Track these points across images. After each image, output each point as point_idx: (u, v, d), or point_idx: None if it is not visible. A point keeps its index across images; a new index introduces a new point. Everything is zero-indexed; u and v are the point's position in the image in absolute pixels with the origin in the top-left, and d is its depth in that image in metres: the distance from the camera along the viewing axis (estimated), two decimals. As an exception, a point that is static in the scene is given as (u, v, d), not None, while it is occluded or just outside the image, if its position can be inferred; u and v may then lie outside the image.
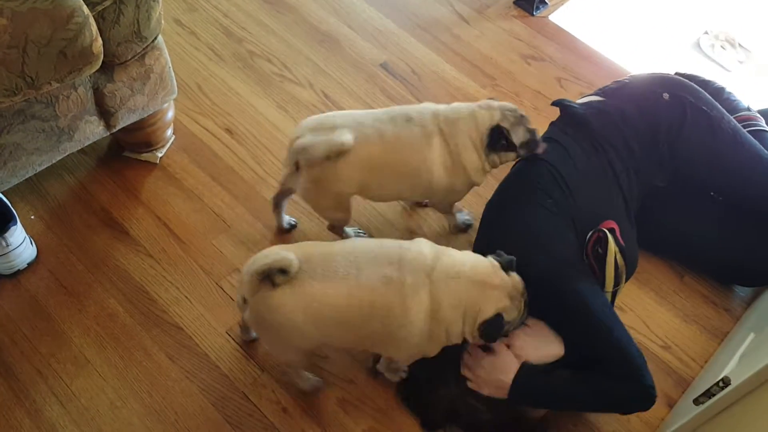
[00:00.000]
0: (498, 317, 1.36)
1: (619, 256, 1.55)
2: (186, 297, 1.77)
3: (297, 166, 1.63)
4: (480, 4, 2.61)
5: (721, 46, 3.28)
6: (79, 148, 1.76)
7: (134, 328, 1.71)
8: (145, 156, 2.01)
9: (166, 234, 1.88)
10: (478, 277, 1.37)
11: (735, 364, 1.36)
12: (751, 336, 1.45)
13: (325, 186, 1.64)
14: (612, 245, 1.54)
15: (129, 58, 1.66)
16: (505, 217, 1.65)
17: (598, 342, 1.45)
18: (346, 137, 1.57)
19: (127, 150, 2.01)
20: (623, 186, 1.71)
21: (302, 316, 1.35)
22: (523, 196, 1.65)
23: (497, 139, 1.63)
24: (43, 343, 1.66)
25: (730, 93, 2.06)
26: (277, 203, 1.85)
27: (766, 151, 1.80)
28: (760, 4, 3.08)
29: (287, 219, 1.90)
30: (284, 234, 1.91)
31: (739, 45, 3.34)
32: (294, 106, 2.21)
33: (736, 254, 1.82)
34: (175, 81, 1.86)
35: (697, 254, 1.89)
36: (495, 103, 1.67)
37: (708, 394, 1.26)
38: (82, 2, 1.42)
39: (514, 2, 2.61)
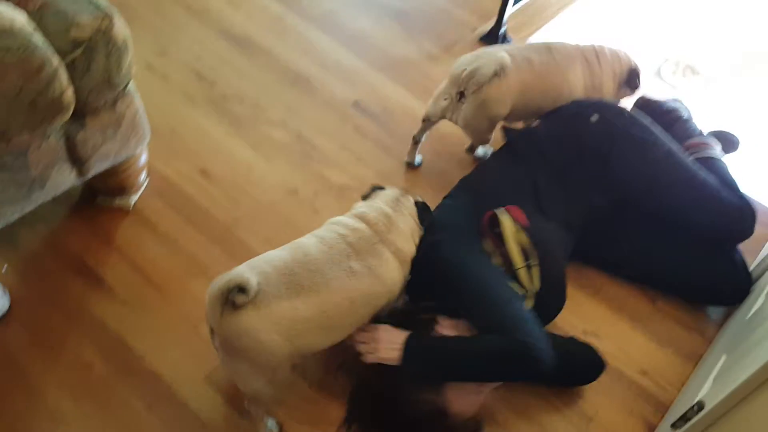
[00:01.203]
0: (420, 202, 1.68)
1: (522, 234, 1.66)
2: (163, 344, 1.75)
3: (460, 96, 1.96)
4: (447, 42, 2.66)
5: (682, 73, 3.38)
6: (51, 197, 1.76)
7: (111, 378, 1.68)
8: (118, 202, 2.01)
9: (141, 280, 1.86)
10: (400, 207, 1.61)
11: (709, 387, 1.38)
12: (723, 357, 1.48)
13: (487, 108, 1.96)
14: (507, 222, 1.66)
15: (100, 105, 1.67)
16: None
17: (480, 307, 1.53)
18: (506, 57, 1.92)
19: (100, 196, 2.01)
20: (540, 188, 1.84)
21: (272, 335, 1.37)
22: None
23: (633, 78, 2.13)
24: (17, 399, 1.63)
25: (688, 119, 2.14)
26: (418, 140, 2.15)
27: (707, 175, 1.89)
28: (717, 31, 3.19)
29: (419, 158, 2.20)
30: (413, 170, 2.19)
31: (698, 72, 3.44)
32: (268, 147, 2.22)
33: (699, 277, 1.89)
34: (147, 126, 1.87)
35: (664, 279, 1.95)
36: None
37: (684, 418, 1.28)
38: (52, 53, 1.44)
39: (479, 39, 2.67)
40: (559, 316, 1.87)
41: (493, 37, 2.66)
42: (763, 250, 2.05)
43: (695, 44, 3.29)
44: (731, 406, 1.11)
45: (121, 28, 1.60)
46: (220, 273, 1.87)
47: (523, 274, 1.65)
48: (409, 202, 1.67)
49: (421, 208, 1.69)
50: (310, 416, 1.65)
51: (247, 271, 1.36)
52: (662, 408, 1.73)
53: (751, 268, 1.97)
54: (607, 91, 2.13)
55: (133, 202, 2.01)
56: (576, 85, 2.06)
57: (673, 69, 3.43)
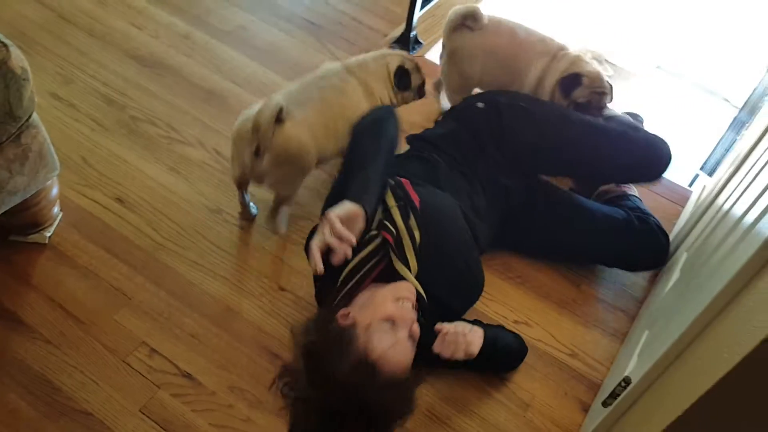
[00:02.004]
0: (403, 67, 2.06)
1: (396, 212, 1.60)
2: (92, 380, 1.69)
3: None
4: (359, 49, 2.68)
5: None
6: (-41, 239, 1.68)
7: (40, 421, 1.62)
8: (32, 237, 1.93)
9: (62, 316, 1.80)
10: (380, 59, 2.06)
11: (635, 363, 1.44)
12: (646, 333, 1.54)
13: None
14: (388, 192, 1.66)
15: (4, 140, 1.61)
16: None
17: None
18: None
19: (13, 233, 1.93)
20: (441, 175, 1.86)
21: (307, 138, 1.83)
22: None
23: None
24: (-61, 452, 1.56)
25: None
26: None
27: (610, 123, 2.06)
28: (625, 21, 3.32)
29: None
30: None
31: (606, 61, 3.57)
32: (186, 167, 2.18)
33: (621, 244, 1.98)
34: (56, 157, 1.81)
35: (588, 252, 2.04)
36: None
37: (613, 395, 1.33)
38: (-55, 90, 1.38)
39: (390, 45, 2.70)
40: (489, 308, 1.92)
41: (404, 41, 2.69)
42: (675, 227, 2.15)
43: (602, 33, 3.42)
44: (654, 378, 1.16)
45: (18, 58, 1.55)
46: (146, 302, 1.85)
47: (395, 213, 1.61)
48: (393, 61, 2.06)
49: (400, 71, 2.06)
50: None
51: (275, 97, 1.78)
52: (594, 387, 1.80)
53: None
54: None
55: (48, 237, 1.94)
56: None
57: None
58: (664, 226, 2.08)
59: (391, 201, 1.63)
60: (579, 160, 2.00)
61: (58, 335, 1.77)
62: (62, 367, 1.71)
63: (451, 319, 1.61)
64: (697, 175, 2.93)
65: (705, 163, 2.95)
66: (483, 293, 1.94)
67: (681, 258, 1.74)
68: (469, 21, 2.11)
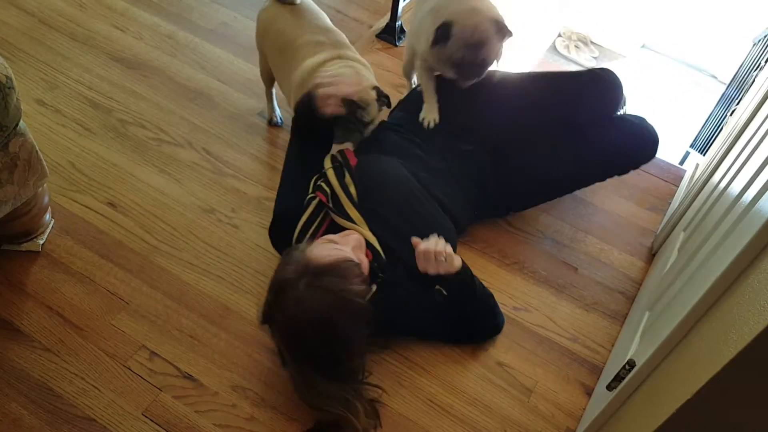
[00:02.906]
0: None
1: (331, 173, 1.77)
2: (93, 386, 1.68)
3: None
4: (344, 40, 2.67)
5: (575, 46, 3.51)
6: (-49, 251, 1.66)
7: (42, 429, 1.61)
8: (25, 246, 1.91)
9: (60, 323, 1.79)
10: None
11: (637, 345, 1.44)
12: (647, 315, 1.55)
13: None
14: (326, 161, 1.81)
15: (-10, 149, 1.59)
16: None
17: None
18: None
19: (5, 242, 1.91)
20: (389, 144, 1.94)
21: None
22: None
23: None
24: (-57, 466, 1.54)
25: None
26: None
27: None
28: (607, 3, 3.32)
29: None
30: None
31: (591, 42, 3.58)
32: (176, 168, 2.17)
33: (610, 150, 2.01)
34: (45, 163, 1.79)
35: (582, 173, 2.06)
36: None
37: (618, 378, 1.33)
38: (-71, 102, 1.36)
39: (376, 36, 2.69)
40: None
41: (390, 31, 2.68)
42: (670, 207, 2.16)
43: (585, 16, 3.41)
44: (659, 360, 1.16)
45: (2, 67, 1.52)
46: (143, 305, 1.84)
47: (330, 174, 1.78)
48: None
49: (379, 92, 1.88)
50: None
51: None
52: (596, 370, 1.80)
53: (660, 225, 2.08)
54: None
55: (41, 244, 1.92)
56: None
57: (566, 43, 3.55)
58: (659, 206, 2.09)
59: (327, 164, 1.79)
60: (543, 108, 2.00)
61: (56, 342, 1.75)
62: (62, 375, 1.70)
63: (413, 274, 1.68)
64: (687, 153, 2.95)
65: (695, 140, 2.96)
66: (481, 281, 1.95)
67: (678, 238, 1.75)
68: None
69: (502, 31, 1.81)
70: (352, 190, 1.74)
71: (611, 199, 2.21)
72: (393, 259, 1.69)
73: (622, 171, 2.04)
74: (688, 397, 0.87)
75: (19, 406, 1.64)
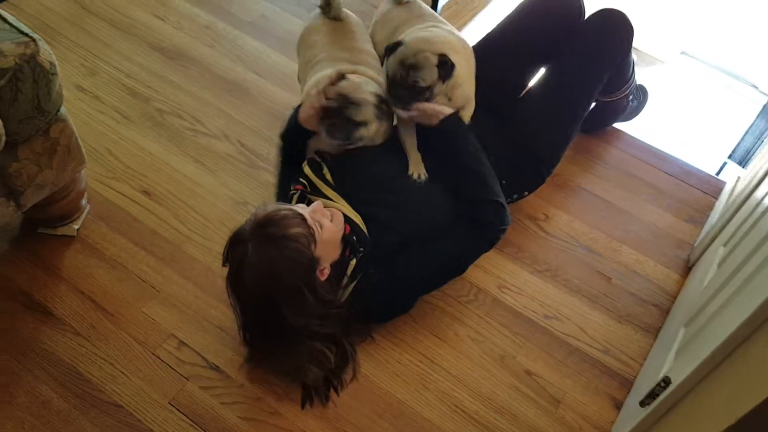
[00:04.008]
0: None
1: (307, 168, 1.82)
2: (122, 372, 1.70)
3: None
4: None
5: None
6: (-11, 232, 1.69)
7: (71, 412, 1.63)
8: (61, 230, 1.93)
9: (92, 309, 1.80)
10: None
11: (672, 362, 1.41)
12: (683, 331, 1.51)
13: None
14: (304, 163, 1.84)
15: (32, 134, 1.61)
16: None
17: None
18: None
19: (42, 226, 1.93)
20: None
21: None
22: None
23: None
24: (-27, 444, 1.57)
25: None
26: None
27: None
28: (649, 5, 3.26)
29: None
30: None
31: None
32: (211, 159, 2.18)
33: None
34: (83, 150, 1.81)
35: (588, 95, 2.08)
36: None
37: (652, 395, 1.31)
38: (-24, 85, 1.37)
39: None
40: (518, 302, 1.91)
41: (427, 29, 2.66)
42: (709, 219, 2.11)
43: (631, 20, 3.36)
44: (698, 380, 1.13)
45: (46, 53, 1.54)
46: (174, 294, 1.85)
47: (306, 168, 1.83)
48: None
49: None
50: (282, 430, 1.63)
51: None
52: (627, 384, 1.77)
53: (698, 238, 2.04)
54: None
55: (76, 229, 1.94)
56: None
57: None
58: (697, 218, 2.05)
59: (304, 164, 1.83)
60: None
61: (87, 327, 1.77)
62: (92, 359, 1.72)
63: (401, 245, 1.72)
64: (725, 163, 2.89)
65: (734, 151, 2.90)
66: (511, 287, 1.93)
67: (717, 252, 1.70)
68: None
69: (445, 68, 1.77)
70: (329, 177, 1.80)
71: (648, 209, 2.17)
72: (382, 230, 1.72)
73: (611, 61, 2.05)
74: (732, 422, 0.84)
75: (49, 389, 1.66)
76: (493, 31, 2.13)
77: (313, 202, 1.75)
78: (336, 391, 1.69)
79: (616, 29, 2.04)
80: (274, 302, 1.55)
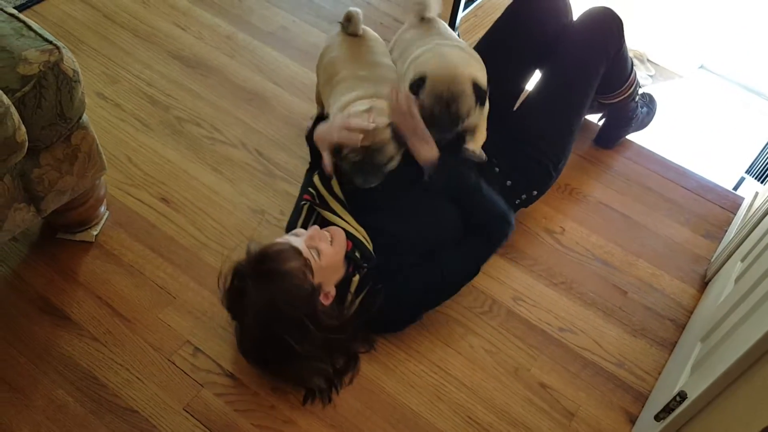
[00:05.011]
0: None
1: (317, 178, 1.85)
2: (137, 377, 1.71)
3: None
4: (400, 49, 2.67)
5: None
6: (10, 237, 1.71)
7: (87, 417, 1.64)
8: (79, 236, 1.96)
9: (109, 314, 1.82)
10: None
11: (688, 376, 1.41)
12: (699, 346, 1.51)
13: None
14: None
15: (54, 140, 1.63)
16: None
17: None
18: None
19: (61, 231, 1.96)
20: None
21: None
22: None
23: None
24: (-10, 446, 1.58)
25: None
26: None
27: None
28: (667, 19, 3.25)
29: None
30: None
31: (648, 60, 3.52)
32: (228, 168, 2.19)
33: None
34: (104, 157, 1.83)
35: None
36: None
37: (667, 409, 1.30)
38: (1, 92, 1.39)
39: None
40: (532, 314, 1.90)
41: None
42: (726, 235, 2.10)
43: (641, 34, 3.36)
44: (714, 395, 1.12)
45: (70, 60, 1.56)
46: (190, 301, 1.86)
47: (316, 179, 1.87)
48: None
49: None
50: None
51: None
52: (641, 398, 1.76)
53: (715, 253, 2.02)
54: None
55: (95, 235, 1.96)
56: None
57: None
58: (715, 233, 2.04)
59: (315, 175, 1.87)
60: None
61: (104, 332, 1.79)
62: (109, 365, 1.73)
63: (408, 259, 1.74)
64: (743, 179, 2.87)
65: (751, 166, 2.88)
66: (526, 299, 1.93)
67: (734, 268, 1.69)
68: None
69: (480, 93, 1.79)
70: (337, 189, 1.82)
71: (665, 224, 2.17)
72: (389, 245, 1.73)
73: (604, 53, 2.05)
74: (750, 438, 0.84)
75: (66, 393, 1.67)
76: (485, 35, 2.17)
77: (321, 214, 1.80)
78: (337, 391, 1.69)
79: (604, 22, 2.07)
80: (276, 335, 1.56)
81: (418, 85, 1.79)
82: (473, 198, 1.81)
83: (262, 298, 1.55)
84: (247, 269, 1.58)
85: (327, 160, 1.78)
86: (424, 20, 2.03)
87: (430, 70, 1.79)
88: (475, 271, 1.82)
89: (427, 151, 1.79)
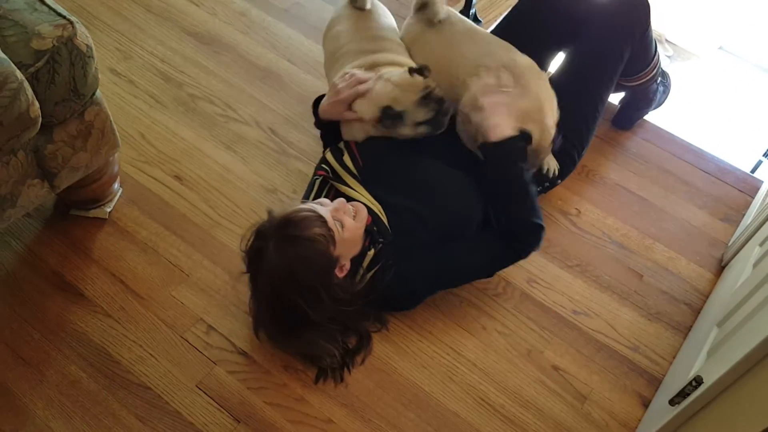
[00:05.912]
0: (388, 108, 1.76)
1: (329, 154, 1.86)
2: (150, 354, 1.72)
3: None
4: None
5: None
6: (24, 213, 1.71)
7: (100, 393, 1.65)
8: (93, 212, 1.96)
9: (122, 291, 1.83)
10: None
11: (703, 361, 1.39)
12: (715, 330, 1.49)
13: None
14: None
15: (68, 116, 1.62)
16: None
17: None
18: None
19: (74, 208, 1.96)
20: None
21: None
22: None
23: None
24: (5, 420, 1.59)
25: None
26: None
27: None
28: (684, 2, 3.20)
29: None
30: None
31: (667, 41, 3.47)
32: (242, 146, 2.18)
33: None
34: (117, 133, 1.82)
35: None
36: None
37: (682, 394, 1.29)
38: (15, 67, 1.39)
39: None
40: (547, 297, 1.89)
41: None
42: (744, 218, 2.07)
43: (661, 14, 3.31)
44: (731, 381, 1.11)
45: (83, 36, 1.55)
46: (203, 278, 1.86)
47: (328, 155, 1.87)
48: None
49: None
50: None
51: None
52: (655, 382, 1.75)
53: (733, 237, 2.00)
54: None
55: (108, 212, 1.96)
56: None
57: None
58: (733, 216, 2.01)
59: (327, 151, 1.87)
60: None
61: (118, 309, 1.79)
62: (122, 341, 1.74)
63: (422, 237, 1.73)
64: (760, 162, 2.83)
65: (769, 149, 2.84)
66: (540, 282, 1.92)
67: (752, 252, 1.67)
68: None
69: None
70: (350, 164, 1.81)
71: (683, 207, 2.14)
72: (403, 221, 1.72)
73: (630, 36, 2.01)
74: (767, 425, 0.82)
75: (79, 368, 1.68)
76: (507, 16, 2.14)
77: (335, 188, 1.79)
78: (349, 370, 1.70)
79: (631, 3, 2.02)
80: (289, 299, 1.58)
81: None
82: (517, 192, 1.72)
83: (281, 262, 1.55)
84: (271, 231, 1.58)
85: (351, 115, 1.81)
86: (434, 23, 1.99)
87: (534, 134, 1.79)
88: (489, 275, 1.82)
89: (506, 126, 1.74)
